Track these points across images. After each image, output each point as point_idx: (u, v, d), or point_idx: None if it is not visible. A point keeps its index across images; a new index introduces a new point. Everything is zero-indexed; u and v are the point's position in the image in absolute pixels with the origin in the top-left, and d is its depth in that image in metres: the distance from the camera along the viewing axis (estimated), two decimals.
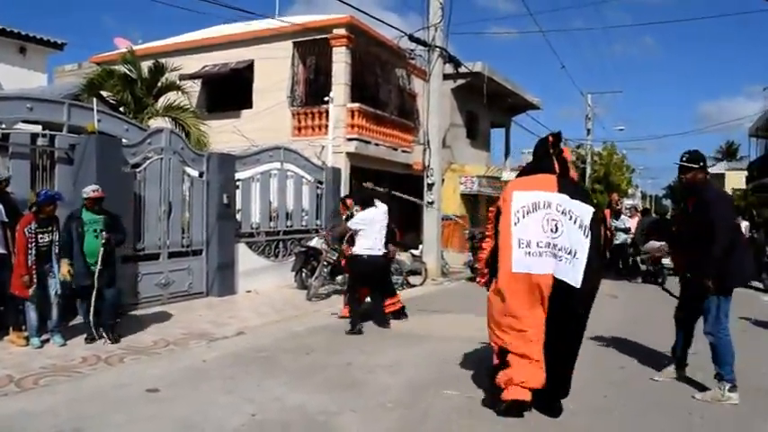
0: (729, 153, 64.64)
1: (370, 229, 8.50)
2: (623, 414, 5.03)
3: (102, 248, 7.15)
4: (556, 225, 4.82)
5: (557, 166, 5.12)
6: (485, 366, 6.38)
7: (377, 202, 8.79)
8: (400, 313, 9.15)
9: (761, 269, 14.21)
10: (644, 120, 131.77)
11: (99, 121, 9.14)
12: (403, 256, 13.31)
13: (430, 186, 15.28)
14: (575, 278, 4.70)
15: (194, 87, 18.33)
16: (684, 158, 5.66)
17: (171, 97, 15.85)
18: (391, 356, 6.94)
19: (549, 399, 4.91)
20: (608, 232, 5.47)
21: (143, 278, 9.59)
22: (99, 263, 7.15)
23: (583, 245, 4.76)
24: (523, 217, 4.91)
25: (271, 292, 11.66)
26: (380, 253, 8.62)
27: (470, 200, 24.92)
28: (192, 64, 18.66)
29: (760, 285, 14.06)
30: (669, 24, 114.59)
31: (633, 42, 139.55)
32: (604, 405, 5.23)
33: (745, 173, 37.75)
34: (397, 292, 9.79)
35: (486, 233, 5.33)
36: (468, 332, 8.08)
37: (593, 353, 6.74)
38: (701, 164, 5.70)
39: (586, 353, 5.48)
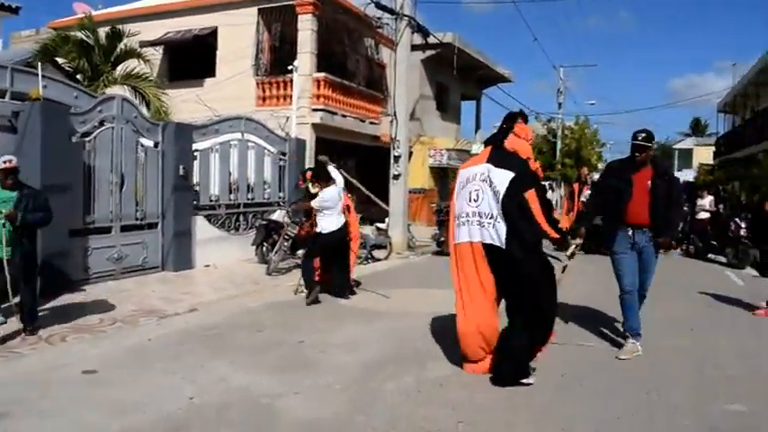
0: (698, 129, 65.22)
1: (335, 208, 8.50)
2: (580, 394, 4.88)
3: (3, 229, 6.04)
4: (477, 194, 5.16)
5: (494, 136, 5.57)
6: (444, 344, 6.24)
7: (335, 178, 8.66)
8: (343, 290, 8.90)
9: (725, 244, 14.26)
10: (615, 94, 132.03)
11: (45, 87, 8.68)
12: (367, 230, 13.08)
13: (397, 159, 15.00)
14: (499, 239, 4.99)
15: (155, 55, 17.69)
16: (641, 138, 6.02)
17: (130, 65, 15.24)
18: (347, 334, 6.73)
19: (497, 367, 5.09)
20: (578, 204, 5.69)
21: (93, 252, 9.19)
22: (4, 248, 6.08)
23: (499, 210, 5.02)
24: (460, 191, 5.39)
25: (230, 266, 11.34)
26: (340, 226, 8.56)
27: (439, 173, 24.73)
28: (154, 30, 18.06)
29: (724, 260, 14.11)
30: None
31: (608, 16, 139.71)
32: (562, 383, 5.08)
33: (713, 148, 38.06)
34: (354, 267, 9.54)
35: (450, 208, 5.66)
36: (429, 307, 7.90)
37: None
38: (653, 142, 6.19)
39: None
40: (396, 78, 15.21)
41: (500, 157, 5.26)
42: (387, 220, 14.76)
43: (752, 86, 27.14)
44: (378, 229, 13.94)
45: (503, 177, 5.06)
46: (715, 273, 12.81)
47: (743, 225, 13.71)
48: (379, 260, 13.01)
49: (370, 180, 20.27)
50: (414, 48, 17.13)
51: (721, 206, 16.45)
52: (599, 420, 4.33)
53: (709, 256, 14.90)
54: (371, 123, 19.51)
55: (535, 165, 5.56)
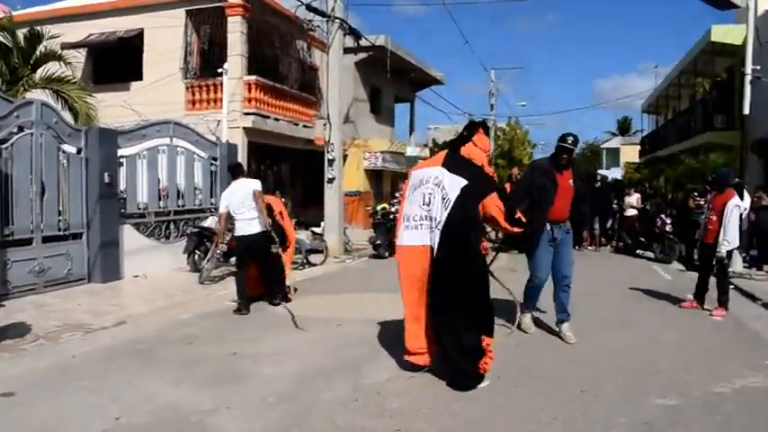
0: (624, 128, 67.37)
1: (235, 208, 8.29)
2: (516, 397, 4.90)
3: None
4: (430, 198, 5.21)
5: (450, 141, 5.65)
6: (380, 351, 6.19)
7: (240, 178, 8.51)
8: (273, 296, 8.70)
9: (652, 240, 14.74)
10: (545, 96, 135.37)
11: None
12: (302, 235, 12.93)
13: (331, 162, 14.90)
14: (437, 245, 5.11)
15: (78, 58, 17.03)
16: (570, 141, 6.59)
17: (51, 68, 14.66)
18: (281, 344, 6.59)
19: (453, 373, 5.14)
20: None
21: (13, 266, 8.73)
22: None
23: (443, 214, 5.11)
24: (412, 193, 5.43)
25: (161, 276, 11.00)
26: (254, 231, 8.27)
27: (375, 175, 24.74)
28: (77, 32, 17.45)
29: (652, 255, 14.57)
30: (569, 1, 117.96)
31: (536, 19, 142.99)
32: (497, 387, 5.08)
33: (638, 147, 39.37)
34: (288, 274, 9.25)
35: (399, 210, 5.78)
36: (366, 313, 7.85)
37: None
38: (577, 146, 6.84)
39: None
40: (329, 81, 15.11)
41: (455, 162, 5.33)
42: (322, 224, 14.63)
43: (673, 87, 28.20)
44: (313, 233, 13.80)
45: (455, 184, 5.14)
46: (643, 268, 13.24)
47: (668, 221, 14.23)
48: (315, 265, 12.87)
49: (304, 184, 20.12)
50: (346, 50, 17.05)
51: (646, 203, 16.99)
52: (536, 422, 4.35)
53: (638, 251, 15.39)
54: (305, 127, 19.33)
55: (490, 170, 5.74)
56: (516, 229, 5.58)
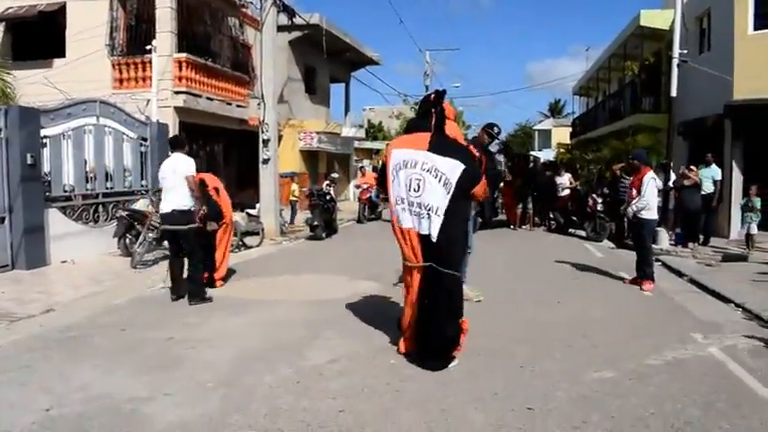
0: (556, 110, 68.88)
1: (162, 184, 7.92)
2: (456, 375, 4.94)
3: None
4: (418, 184, 5.07)
5: (433, 123, 5.30)
6: (320, 332, 6.15)
7: (177, 152, 7.97)
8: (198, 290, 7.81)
9: (584, 219, 15.16)
10: (478, 77, 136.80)
11: None
12: (238, 217, 12.68)
13: (266, 143, 14.65)
14: (434, 232, 4.99)
15: None
16: (496, 131, 7.85)
17: None
18: (218, 328, 6.46)
19: (425, 353, 5.17)
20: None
21: None
22: None
23: (444, 201, 4.98)
24: (396, 173, 5.25)
25: (90, 261, 10.60)
26: (176, 209, 7.64)
27: (310, 156, 24.51)
28: None
29: (583, 234, 14.98)
30: None
31: (470, 1, 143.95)
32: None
33: (570, 129, 40.27)
34: (216, 261, 8.74)
35: (378, 187, 5.81)
36: (303, 294, 7.79)
37: None
38: None
39: None
40: (263, 60, 14.80)
41: (444, 145, 5.19)
42: (258, 205, 14.40)
43: (603, 70, 28.88)
44: (248, 215, 13.56)
45: (452, 168, 5.03)
46: (576, 246, 13.59)
47: (599, 201, 14.66)
48: (251, 247, 12.68)
49: (239, 165, 19.73)
50: (280, 28, 16.72)
51: (578, 183, 17.44)
52: (476, 398, 4.41)
53: (570, 230, 15.81)
54: (239, 106, 18.90)
55: (473, 149, 5.92)
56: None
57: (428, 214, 5.01)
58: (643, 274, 8.71)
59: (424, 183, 5.04)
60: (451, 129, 5.50)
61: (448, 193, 4.98)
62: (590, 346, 5.73)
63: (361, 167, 25.82)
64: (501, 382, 4.76)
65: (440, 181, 5.00)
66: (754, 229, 12.09)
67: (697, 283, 9.16)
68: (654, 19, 19.43)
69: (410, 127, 5.74)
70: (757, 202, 12.09)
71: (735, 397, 4.49)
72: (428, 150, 5.11)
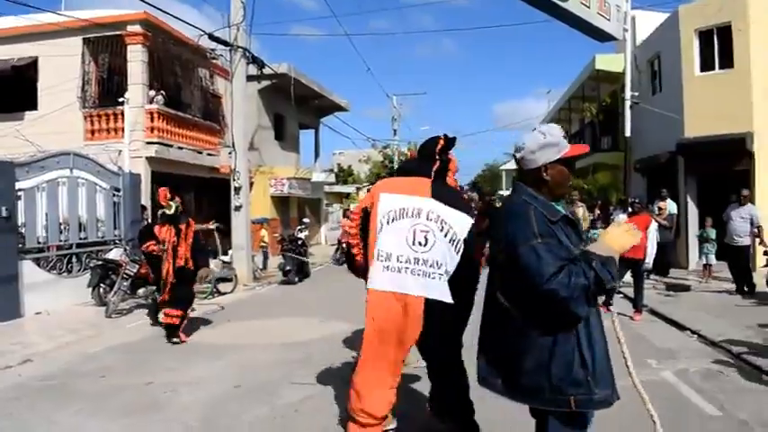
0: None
1: None
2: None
3: None
4: (426, 237, 4.08)
5: (435, 168, 4.33)
6: (293, 372, 6.38)
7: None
8: (173, 330, 8.15)
9: None
10: (447, 119, 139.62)
11: None
12: (211, 264, 12.87)
13: (237, 190, 14.93)
14: (447, 295, 4.02)
15: None
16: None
17: None
18: (195, 371, 6.66)
19: (462, 420, 4.39)
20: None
21: None
22: None
23: (453, 260, 4.06)
24: (388, 224, 4.17)
25: (65, 311, 10.66)
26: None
27: (281, 202, 24.81)
28: None
29: None
30: (467, 30, 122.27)
31: (435, 45, 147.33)
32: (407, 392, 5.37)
33: None
34: (187, 307, 8.54)
35: (351, 239, 4.53)
36: (276, 337, 8.02)
37: None
38: None
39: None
40: (233, 109, 15.17)
41: (448, 194, 4.26)
42: (230, 252, 14.61)
43: (564, 111, 29.93)
44: (222, 261, 13.76)
45: (461, 222, 4.13)
46: None
47: None
48: (224, 293, 12.84)
49: (210, 212, 19.91)
50: (250, 78, 17.15)
51: None
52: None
53: None
54: (209, 155, 19.22)
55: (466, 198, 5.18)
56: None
57: (440, 274, 4.03)
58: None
59: (433, 235, 4.07)
60: (452, 181, 4.60)
61: (457, 252, 4.07)
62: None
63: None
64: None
65: (446, 235, 4.08)
66: (713, 260, 12.64)
67: (656, 312, 9.59)
68: (608, 63, 20.35)
69: (404, 170, 4.90)
70: (712, 233, 12.66)
71: (682, 414, 4.83)
72: (432, 198, 4.16)
